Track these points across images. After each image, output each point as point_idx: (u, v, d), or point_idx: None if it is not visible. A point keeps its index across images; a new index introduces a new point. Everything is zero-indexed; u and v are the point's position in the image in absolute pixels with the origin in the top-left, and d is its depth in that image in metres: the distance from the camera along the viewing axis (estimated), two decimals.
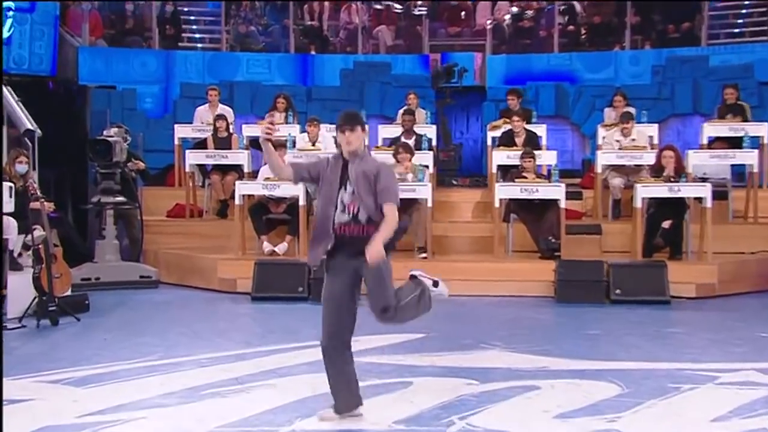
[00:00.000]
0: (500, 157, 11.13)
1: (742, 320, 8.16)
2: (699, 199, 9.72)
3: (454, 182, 12.54)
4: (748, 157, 10.62)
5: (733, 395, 5.51)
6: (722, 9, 14.76)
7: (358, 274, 4.85)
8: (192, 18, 16.34)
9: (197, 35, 16.21)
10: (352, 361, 4.97)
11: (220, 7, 15.80)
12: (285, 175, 4.98)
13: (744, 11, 14.63)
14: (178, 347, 6.93)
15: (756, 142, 10.85)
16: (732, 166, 11.13)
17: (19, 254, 8.50)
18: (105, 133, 10.29)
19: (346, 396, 4.97)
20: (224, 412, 5.15)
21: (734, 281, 9.56)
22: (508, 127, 11.59)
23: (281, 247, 10.06)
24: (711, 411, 5.13)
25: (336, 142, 5.03)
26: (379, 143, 11.90)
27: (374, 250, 4.65)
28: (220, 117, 11.74)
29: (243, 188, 10.26)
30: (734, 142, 10.92)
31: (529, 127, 11.56)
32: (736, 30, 14.51)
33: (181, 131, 12.32)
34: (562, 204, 9.79)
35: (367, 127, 5.22)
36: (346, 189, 4.82)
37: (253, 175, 10.97)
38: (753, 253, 10.24)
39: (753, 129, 11.03)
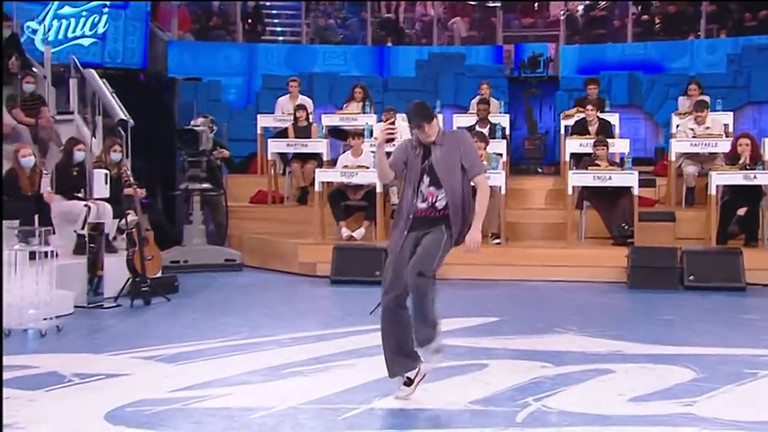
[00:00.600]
0: (573, 145, 10.98)
1: None
2: None
3: (539, 170, 12.38)
4: None
5: None
6: None
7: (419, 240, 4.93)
8: (274, 12, 16.49)
9: (279, 29, 16.36)
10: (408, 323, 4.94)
11: (300, 2, 15.90)
12: (390, 179, 5.11)
13: None
14: (261, 328, 7.02)
15: None
16: None
17: (114, 237, 8.73)
18: (192, 123, 10.47)
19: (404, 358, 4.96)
20: (305, 389, 5.20)
21: None
22: (582, 115, 11.42)
23: (359, 233, 10.11)
24: None
25: (411, 131, 5.01)
26: None
27: (474, 238, 4.93)
28: (300, 107, 11.83)
29: (322, 176, 10.33)
30: None
31: (602, 115, 11.36)
32: None
33: (263, 121, 12.46)
34: (635, 191, 9.62)
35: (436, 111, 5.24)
36: (424, 180, 4.91)
37: (332, 163, 11.04)
38: None
39: None
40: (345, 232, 10.12)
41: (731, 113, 11.73)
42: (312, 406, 4.91)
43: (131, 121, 9.69)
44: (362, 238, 10.09)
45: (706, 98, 11.34)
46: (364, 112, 12.15)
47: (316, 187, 10.27)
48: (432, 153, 4.92)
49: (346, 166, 10.32)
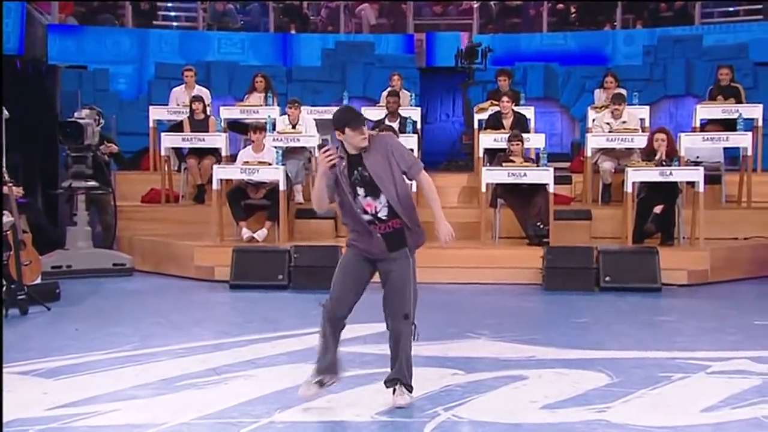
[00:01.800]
0: (487, 140, 11.13)
1: (735, 308, 8.22)
2: (691, 184, 9.77)
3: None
4: (742, 140, 10.64)
5: (724, 384, 5.55)
6: None
7: (376, 269, 5.10)
8: None
9: (172, 13, 16.11)
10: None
11: None
12: (325, 208, 5.15)
13: None
14: (153, 337, 6.91)
15: (750, 125, 10.87)
16: (725, 149, 11.17)
17: None
18: (76, 115, 10.22)
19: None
20: (201, 403, 5.14)
21: (727, 268, 9.62)
22: (496, 109, 11.59)
23: (261, 234, 10.04)
24: (702, 401, 5.17)
25: (326, 136, 5.10)
26: None
27: (444, 230, 5.11)
28: (197, 98, 11.66)
29: (221, 172, 10.22)
30: (728, 125, 10.97)
31: (517, 109, 11.57)
32: (731, 9, 14.55)
33: (156, 113, 12.24)
34: (551, 189, 9.81)
35: None
36: (358, 192, 4.95)
37: (231, 158, 10.94)
38: (746, 239, 10.29)
39: (747, 111, 11.04)
40: (245, 233, 10.05)
41: (647, 107, 12.10)
42: (207, 420, 4.86)
43: (6, 113, 9.38)
44: (264, 239, 10.04)
45: (623, 91, 11.68)
46: (266, 104, 12.07)
47: (214, 185, 10.15)
48: (363, 161, 4.92)
49: (246, 162, 10.24)
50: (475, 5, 15.43)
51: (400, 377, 5.08)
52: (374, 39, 15.26)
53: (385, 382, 5.16)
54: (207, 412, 4.99)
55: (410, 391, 5.11)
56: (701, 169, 9.81)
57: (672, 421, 4.86)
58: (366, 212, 4.96)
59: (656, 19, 14.65)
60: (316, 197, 5.08)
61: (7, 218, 8.09)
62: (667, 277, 9.05)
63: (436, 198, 5.15)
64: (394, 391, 5.11)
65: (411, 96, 12.89)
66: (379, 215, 4.96)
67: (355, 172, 4.93)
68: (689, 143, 10.57)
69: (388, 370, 5.85)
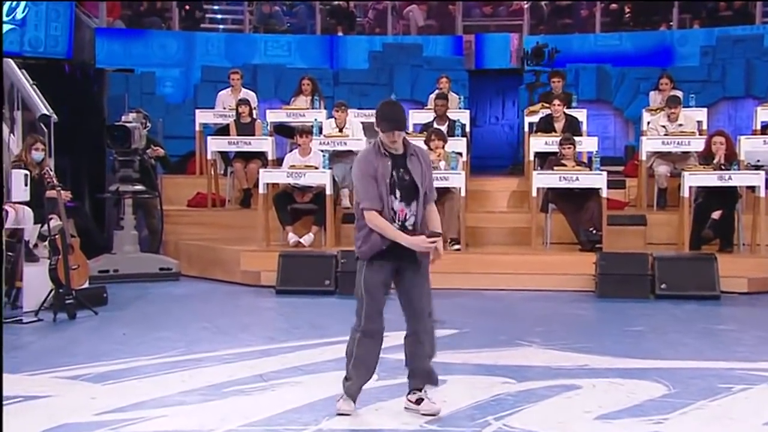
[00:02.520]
0: (538, 143, 11.08)
1: None
2: (752, 188, 9.63)
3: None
4: None
5: None
6: None
7: (398, 272, 5.01)
8: None
9: (219, 16, 16.27)
10: None
11: None
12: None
13: None
14: (200, 343, 6.97)
15: None
16: None
17: (35, 245, 8.59)
18: (123, 118, 10.36)
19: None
20: (248, 410, 5.18)
21: None
22: (547, 111, 11.53)
23: (307, 239, 10.09)
24: (764, 413, 5.09)
25: (366, 132, 5.05)
26: (410, 129, 11.87)
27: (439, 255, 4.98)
28: (243, 102, 11.76)
29: (267, 176, 10.29)
30: None
31: (568, 111, 11.49)
32: None
33: (202, 117, 12.38)
34: (604, 193, 9.73)
35: None
36: (395, 195, 4.88)
37: (278, 162, 11.00)
38: None
39: None
40: (292, 238, 10.10)
41: (705, 109, 11.94)
42: (254, 428, 4.89)
43: (54, 117, 9.56)
44: (311, 244, 10.08)
45: (679, 93, 11.55)
46: (312, 108, 12.13)
47: (260, 189, 10.23)
48: (407, 164, 4.90)
49: (293, 166, 10.29)
50: (526, 5, 15.36)
51: (429, 381, 5.10)
52: (422, 41, 15.26)
53: (412, 390, 5.12)
54: (254, 419, 5.02)
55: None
56: (762, 173, 9.65)
57: None
58: (396, 219, 4.90)
59: (715, 19, 14.46)
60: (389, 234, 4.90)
61: (56, 222, 8.24)
62: (726, 285, 8.91)
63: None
64: (420, 400, 5.07)
65: (460, 99, 12.87)
66: (406, 224, 4.92)
67: (395, 173, 4.88)
68: (749, 146, 10.43)
69: (441, 377, 5.85)
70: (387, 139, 4.86)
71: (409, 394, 5.15)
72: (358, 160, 5.02)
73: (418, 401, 5.09)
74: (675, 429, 4.85)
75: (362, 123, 11.73)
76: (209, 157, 11.48)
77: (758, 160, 10.53)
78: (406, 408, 5.14)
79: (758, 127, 11.20)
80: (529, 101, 13.19)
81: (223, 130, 11.89)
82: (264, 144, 11.30)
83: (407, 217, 4.92)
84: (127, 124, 10.08)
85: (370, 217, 4.85)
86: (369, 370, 5.11)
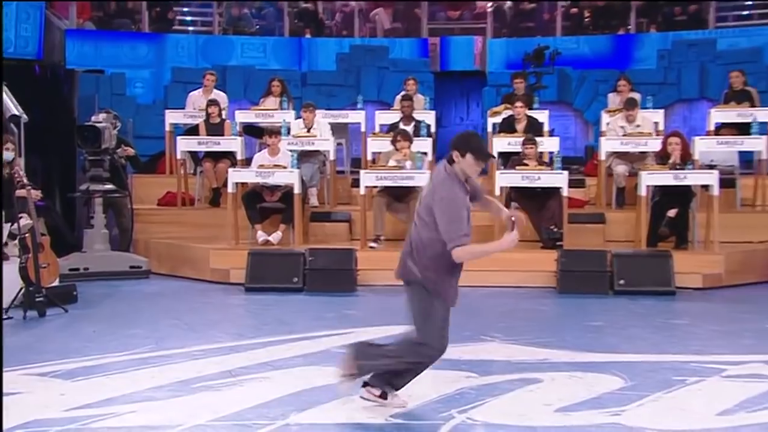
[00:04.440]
0: (501, 143, 11.12)
1: (750, 311, 8.17)
2: (706, 187, 9.72)
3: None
4: (757, 144, 10.63)
5: (739, 388, 5.52)
6: None
7: None
8: (183, 0, 16.28)
9: (188, 18, 16.17)
10: None
11: None
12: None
13: None
14: (169, 339, 6.92)
15: (764, 128, 10.84)
16: (740, 152, 11.13)
17: (5, 244, 8.49)
18: (93, 118, 10.26)
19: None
20: (216, 405, 5.15)
21: (742, 271, 9.57)
22: (509, 112, 11.58)
23: (275, 237, 10.05)
24: (717, 404, 5.14)
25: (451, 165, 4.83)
26: (377, 130, 11.89)
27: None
28: (213, 102, 11.70)
29: (236, 176, 10.25)
30: (742, 128, 10.93)
31: (530, 113, 11.55)
32: (745, 12, 14.47)
33: (172, 117, 12.29)
34: (565, 192, 9.78)
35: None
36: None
37: (247, 162, 10.96)
38: (761, 242, 10.24)
39: (761, 114, 11.02)
40: (261, 236, 10.06)
41: (661, 111, 12.06)
42: (223, 422, 4.86)
43: (25, 117, 9.45)
44: (279, 242, 10.04)
45: (637, 95, 11.65)
46: (281, 108, 12.08)
47: (230, 188, 10.18)
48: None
49: (261, 166, 10.26)
50: (489, 9, 15.40)
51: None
52: (388, 43, 15.27)
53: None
54: (223, 414, 4.99)
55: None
56: (716, 172, 9.76)
57: (687, 424, 4.83)
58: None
59: (670, 23, 14.59)
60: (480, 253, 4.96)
61: (26, 221, 8.14)
62: (682, 281, 9.01)
63: None
64: (385, 395, 5.09)
65: (425, 100, 12.87)
66: None
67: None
68: (703, 147, 10.54)
69: None
70: (475, 168, 4.79)
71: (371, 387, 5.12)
72: (446, 198, 4.76)
73: (383, 396, 5.10)
74: (632, 420, 4.88)
75: (330, 123, 11.74)
76: (179, 156, 11.40)
77: (712, 160, 10.65)
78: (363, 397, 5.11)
79: (712, 128, 11.33)
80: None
81: (192, 131, 11.82)
82: (233, 144, 11.25)
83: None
84: (98, 124, 9.98)
85: (461, 254, 4.74)
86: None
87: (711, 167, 10.22)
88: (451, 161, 4.79)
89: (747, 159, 11.41)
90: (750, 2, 14.55)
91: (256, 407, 5.12)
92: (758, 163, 10.88)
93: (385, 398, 5.08)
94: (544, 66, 13.49)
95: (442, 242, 4.74)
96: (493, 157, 4.90)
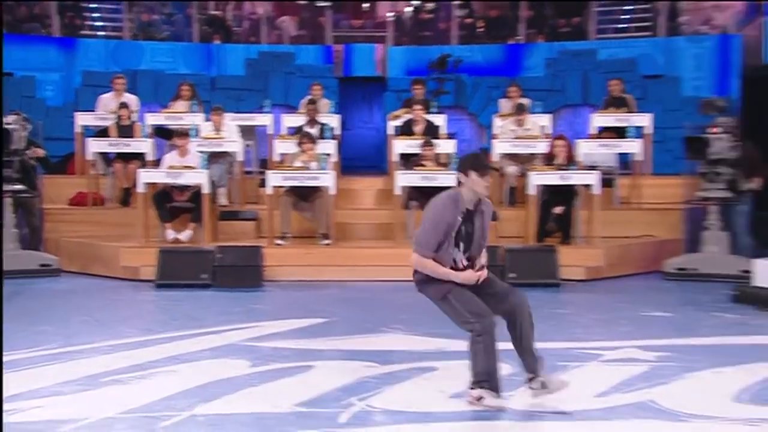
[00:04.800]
0: (401, 145, 11.18)
1: (627, 301, 8.42)
2: (588, 186, 9.96)
3: None
4: (633, 147, 10.96)
5: (615, 371, 5.68)
6: (609, 5, 15.14)
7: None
8: (93, 6, 15.83)
9: (99, 23, 15.73)
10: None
11: None
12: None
13: (629, 7, 15.04)
14: (79, 335, 6.73)
15: (640, 132, 11.19)
16: (618, 154, 11.45)
17: None
18: (2, 120, 9.89)
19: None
20: (124, 398, 5.03)
21: (620, 264, 9.86)
22: (409, 116, 11.65)
23: (185, 235, 9.89)
24: (595, 387, 5.28)
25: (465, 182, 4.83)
26: (283, 132, 11.82)
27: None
28: (124, 105, 11.44)
29: (146, 176, 10.04)
30: (620, 132, 11.24)
31: (428, 116, 11.64)
32: (622, 25, 14.90)
33: (82, 119, 11.96)
34: None
35: None
36: (459, 248, 4.81)
37: (157, 163, 10.74)
38: (637, 237, 10.57)
39: (637, 120, 11.38)
40: (170, 234, 9.88)
41: (549, 115, 12.31)
42: (130, 415, 4.76)
43: None
44: (189, 240, 9.88)
45: (526, 101, 11.87)
46: (191, 111, 11.89)
47: (140, 188, 9.96)
48: (474, 219, 4.83)
49: (171, 167, 10.07)
50: (390, 18, 15.47)
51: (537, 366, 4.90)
52: (294, 50, 15.18)
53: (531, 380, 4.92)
54: (130, 406, 4.88)
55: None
56: (597, 173, 10.02)
57: (567, 406, 4.94)
58: (454, 268, 4.85)
59: (556, 34, 14.92)
60: (432, 271, 4.83)
61: None
62: (566, 273, 9.22)
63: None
64: (544, 383, 4.86)
65: (330, 104, 12.86)
66: (458, 266, 4.88)
67: (463, 228, 4.80)
68: (586, 149, 10.80)
69: (307, 363, 5.87)
70: (483, 183, 4.76)
71: (528, 381, 4.96)
72: (436, 206, 4.85)
73: (543, 385, 4.92)
74: (518, 403, 4.98)
75: (238, 126, 11.63)
76: (90, 157, 11.10)
77: (593, 162, 10.90)
78: (531, 388, 4.92)
79: (593, 132, 11.64)
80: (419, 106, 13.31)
81: (103, 132, 11.52)
82: (143, 145, 11.02)
83: (465, 267, 4.85)
84: (7, 126, 9.64)
85: (418, 261, 4.80)
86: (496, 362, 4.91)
87: (593, 168, 10.46)
88: (459, 184, 4.84)
89: (624, 160, 11.74)
90: (627, 16, 15.00)
91: (163, 399, 5.03)
92: (634, 164, 11.22)
93: (545, 386, 4.95)
94: (447, 73, 13.62)
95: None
96: (495, 169, 4.86)
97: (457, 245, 4.83)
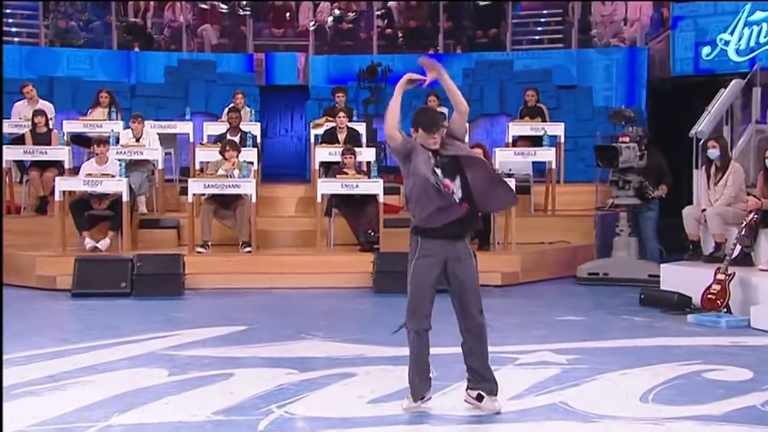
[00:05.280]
0: (323, 153, 11.18)
1: (541, 305, 8.58)
2: None
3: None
4: (547, 155, 11.18)
5: (529, 375, 5.78)
6: (524, 17, 15.40)
7: (446, 266, 4.93)
8: (8, 11, 15.35)
9: (14, 29, 15.26)
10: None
11: (37, 1, 14.91)
12: (394, 134, 4.92)
13: (543, 20, 15.33)
14: None
15: (554, 141, 11.42)
16: (533, 162, 11.65)
17: None
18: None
19: (422, 381, 4.93)
20: (37, 410, 4.90)
21: (535, 269, 10.03)
22: (331, 124, 11.66)
23: (103, 243, 9.68)
24: (510, 390, 5.34)
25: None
26: (204, 140, 11.69)
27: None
28: (39, 113, 11.16)
29: (63, 184, 9.81)
30: (535, 141, 11.46)
31: (350, 125, 11.67)
32: (537, 37, 15.18)
33: None
34: (381, 199, 9.94)
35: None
36: (437, 174, 4.83)
37: (74, 171, 10.50)
38: (551, 243, 10.78)
39: (551, 129, 11.61)
40: (88, 242, 9.66)
41: (467, 124, 12.42)
42: (43, 427, 4.63)
43: None
44: (107, 249, 9.68)
45: (445, 110, 11.96)
46: (109, 119, 11.67)
47: (57, 196, 9.71)
48: (442, 152, 4.88)
49: (89, 175, 9.85)
50: (311, 28, 15.44)
51: (492, 384, 4.96)
52: (216, 58, 15.00)
53: (471, 389, 4.98)
54: (43, 418, 4.76)
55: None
56: (513, 180, 10.15)
57: (481, 409, 4.99)
58: (442, 192, 4.83)
59: (473, 45, 15.10)
60: (391, 111, 4.96)
61: None
62: (484, 279, 9.05)
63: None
64: (481, 397, 4.93)
65: (251, 112, 12.78)
66: (454, 197, 4.85)
67: (437, 158, 4.86)
68: (503, 157, 10.97)
69: (226, 371, 5.80)
70: (430, 138, 4.86)
71: (468, 389, 5.00)
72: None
73: (479, 398, 4.95)
74: (436, 408, 5.01)
75: (158, 134, 11.45)
76: (4, 165, 10.76)
77: (510, 169, 11.06)
78: (466, 401, 4.98)
79: (510, 140, 11.84)
80: (366, 117, 13.37)
81: (18, 140, 11.20)
82: (60, 153, 10.76)
83: (454, 190, 4.83)
84: None
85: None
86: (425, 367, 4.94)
87: (509, 176, 10.61)
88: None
89: (540, 168, 11.95)
90: (541, 28, 15.29)
91: (77, 410, 4.91)
92: (549, 172, 11.43)
93: (481, 401, 4.96)
94: (377, 81, 13.68)
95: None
96: (444, 126, 4.90)
97: (434, 171, 4.84)
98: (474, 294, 5.01)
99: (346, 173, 10.19)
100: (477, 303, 5.02)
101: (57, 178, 9.92)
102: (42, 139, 10.97)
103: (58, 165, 10.78)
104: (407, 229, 10.50)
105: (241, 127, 11.56)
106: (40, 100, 11.85)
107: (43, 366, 5.92)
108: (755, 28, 12.39)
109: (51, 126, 11.29)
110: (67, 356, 6.24)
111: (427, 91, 12.98)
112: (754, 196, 8.50)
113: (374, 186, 9.97)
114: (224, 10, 15.83)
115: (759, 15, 12.38)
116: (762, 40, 12.30)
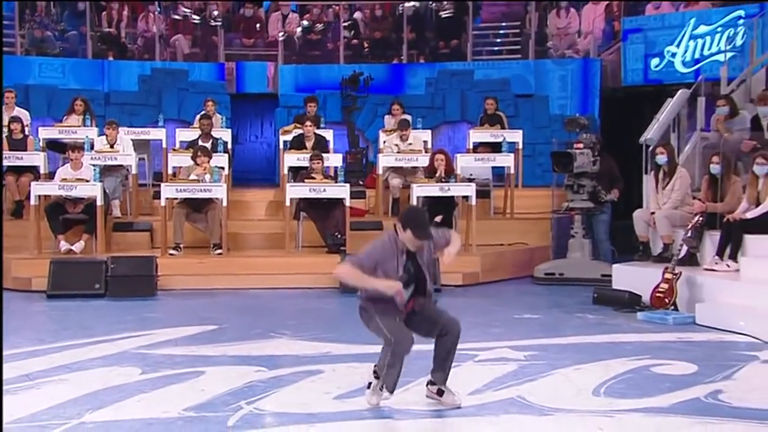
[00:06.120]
0: (291, 159, 11.16)
1: (500, 304, 8.63)
2: (466, 197, 10.18)
3: (360, 183, 12.22)
4: (506, 160, 11.24)
5: (488, 371, 5.82)
6: (484, 29, 15.49)
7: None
8: None
9: None
10: None
11: (13, 11, 14.71)
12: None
13: (501, 32, 15.44)
14: None
15: (512, 147, 11.50)
16: (493, 168, 11.72)
17: None
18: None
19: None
20: (12, 408, 4.80)
21: (494, 270, 10.10)
22: (299, 131, 11.64)
23: (78, 246, 9.58)
24: (469, 385, 5.38)
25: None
26: (177, 146, 11.62)
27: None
28: (15, 119, 11.03)
29: (39, 189, 9.71)
30: (495, 147, 11.53)
31: (318, 131, 11.66)
32: (496, 48, 15.29)
33: None
34: (347, 202, 9.94)
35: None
36: (409, 288, 4.82)
37: (50, 176, 10.39)
38: (510, 245, 10.85)
39: (510, 136, 11.70)
40: (63, 245, 9.55)
41: (430, 131, 12.52)
42: (17, 424, 4.57)
43: None
44: (82, 251, 9.58)
45: (409, 117, 12.03)
46: (84, 126, 11.57)
47: (32, 201, 9.60)
48: (417, 257, 4.80)
49: (64, 179, 9.76)
50: (280, 38, 15.41)
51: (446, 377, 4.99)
52: (188, 66, 14.92)
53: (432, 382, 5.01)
54: (18, 416, 4.69)
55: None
56: (473, 185, 10.25)
57: (441, 405, 5.01)
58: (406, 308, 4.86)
59: (436, 55, 15.16)
60: (356, 284, 4.83)
61: None
62: (445, 279, 9.36)
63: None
64: (441, 392, 4.96)
65: (222, 119, 12.73)
66: (415, 308, 4.93)
67: (411, 268, 4.80)
68: (464, 163, 11.02)
69: (197, 369, 5.78)
70: (416, 242, 4.74)
71: (429, 384, 5.02)
72: (375, 241, 4.87)
73: (439, 393, 4.97)
74: (399, 403, 5.02)
75: (132, 140, 11.37)
76: None
77: (471, 174, 11.13)
78: (427, 396, 5.00)
79: (471, 146, 11.89)
80: (348, 124, 13.33)
81: None
82: (36, 159, 10.66)
83: (405, 296, 4.80)
84: None
85: (340, 269, 4.92)
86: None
87: (470, 180, 10.68)
88: (396, 231, 4.82)
89: (499, 173, 12.02)
90: (500, 40, 15.39)
91: (51, 408, 4.86)
92: (507, 177, 11.51)
93: (441, 396, 4.97)
94: (359, 90, 13.71)
95: None
96: (431, 237, 4.81)
97: (406, 285, 4.79)
98: (441, 317, 4.99)
99: (314, 178, 10.18)
100: (445, 316, 5.01)
101: (33, 183, 9.82)
102: (18, 145, 10.84)
103: (33, 170, 10.68)
104: (373, 231, 10.66)
105: (213, 133, 11.51)
106: (16, 107, 11.70)
107: (18, 365, 5.83)
108: (699, 41, 12.60)
109: (27, 132, 11.18)
110: (42, 356, 6.16)
111: (391, 100, 13.04)
112: (699, 200, 8.64)
113: (341, 190, 9.97)
114: (196, 21, 15.75)
115: (703, 29, 12.60)
116: (706, 52, 12.52)
